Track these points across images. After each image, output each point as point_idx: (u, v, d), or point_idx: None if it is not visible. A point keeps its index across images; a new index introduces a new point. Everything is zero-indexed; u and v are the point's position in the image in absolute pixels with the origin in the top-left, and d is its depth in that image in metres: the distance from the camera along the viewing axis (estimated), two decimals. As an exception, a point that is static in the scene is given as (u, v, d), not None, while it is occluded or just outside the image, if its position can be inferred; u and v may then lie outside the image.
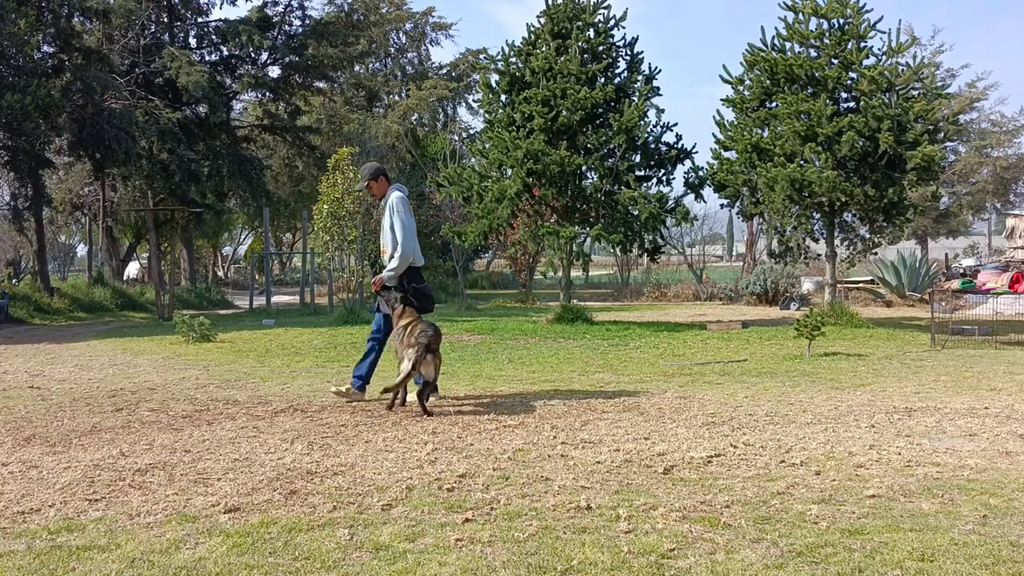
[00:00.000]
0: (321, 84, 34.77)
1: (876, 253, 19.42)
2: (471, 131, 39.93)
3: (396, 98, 40.52)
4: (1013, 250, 38.00)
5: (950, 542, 3.67)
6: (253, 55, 31.48)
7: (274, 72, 32.74)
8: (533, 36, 17.09)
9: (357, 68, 38.42)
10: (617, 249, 18.76)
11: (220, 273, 47.68)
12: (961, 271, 29.57)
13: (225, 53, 31.54)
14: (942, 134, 15.85)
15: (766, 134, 16.16)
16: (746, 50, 16.38)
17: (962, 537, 3.74)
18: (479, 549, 3.68)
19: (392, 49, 41.86)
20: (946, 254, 38.38)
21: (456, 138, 38.48)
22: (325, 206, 20.42)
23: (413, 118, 38.87)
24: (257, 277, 31.13)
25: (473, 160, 19.99)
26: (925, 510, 4.16)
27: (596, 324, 15.84)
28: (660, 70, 16.92)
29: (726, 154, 16.72)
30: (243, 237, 52.81)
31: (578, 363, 10.92)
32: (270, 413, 7.15)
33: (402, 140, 34.98)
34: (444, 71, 41.85)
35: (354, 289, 22.93)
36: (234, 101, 34.30)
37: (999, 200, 43.01)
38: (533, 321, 16.84)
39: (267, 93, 32.68)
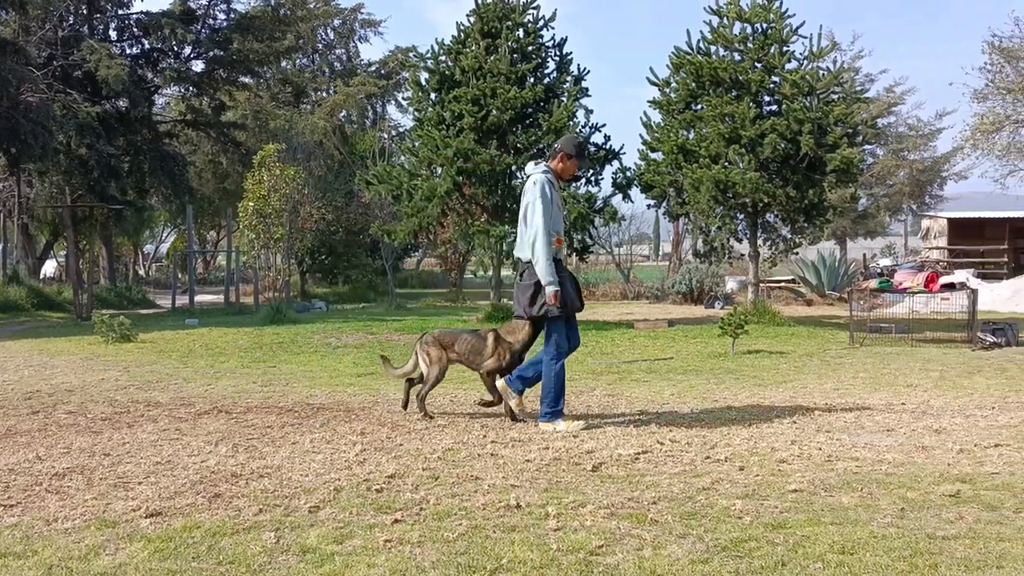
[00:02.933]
0: (246, 79, 34.14)
1: (797, 253, 19.91)
2: (400, 129, 39.65)
3: (324, 95, 40.01)
4: (928, 250, 39.30)
5: (869, 535, 3.77)
6: (176, 49, 30.76)
7: (198, 66, 32.02)
8: (463, 35, 17.07)
9: (284, 64, 37.82)
10: (546, 248, 18.81)
11: (141, 272, 46.51)
12: (878, 271, 30.49)
13: (147, 46, 30.75)
14: (861, 137, 16.33)
15: (692, 136, 16.42)
16: (672, 53, 16.61)
17: (881, 530, 3.84)
18: (408, 550, 3.66)
19: (320, 45, 41.32)
20: (864, 254, 39.53)
21: (385, 136, 38.14)
22: (251, 203, 20.09)
23: (341, 115, 38.44)
24: (180, 276, 30.45)
25: (403, 158, 19.89)
26: (845, 504, 4.27)
27: (525, 323, 15.86)
28: (589, 71, 17.08)
29: (653, 155, 16.94)
30: (165, 235, 51.61)
31: (507, 362, 10.93)
32: (193, 415, 7.00)
33: (330, 137, 34.59)
34: (373, 68, 41.45)
35: (280, 288, 22.60)
36: (156, 95, 33.45)
37: (915, 202, 44.44)
38: (463, 320, 16.82)
39: (190, 88, 31.95)
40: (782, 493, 4.47)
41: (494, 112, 16.02)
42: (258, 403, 7.63)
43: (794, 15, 15.96)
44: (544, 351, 6.40)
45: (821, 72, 16.13)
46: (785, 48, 16.02)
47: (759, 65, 15.93)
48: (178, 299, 24.72)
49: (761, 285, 19.39)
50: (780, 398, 7.76)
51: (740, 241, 17.58)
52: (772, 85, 16.02)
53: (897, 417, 6.68)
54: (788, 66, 15.99)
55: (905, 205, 45.20)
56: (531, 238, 6.23)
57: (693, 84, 16.37)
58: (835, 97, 16.16)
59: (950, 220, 38.47)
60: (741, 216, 16.82)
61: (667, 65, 16.82)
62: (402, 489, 4.62)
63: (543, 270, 6.17)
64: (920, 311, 15.15)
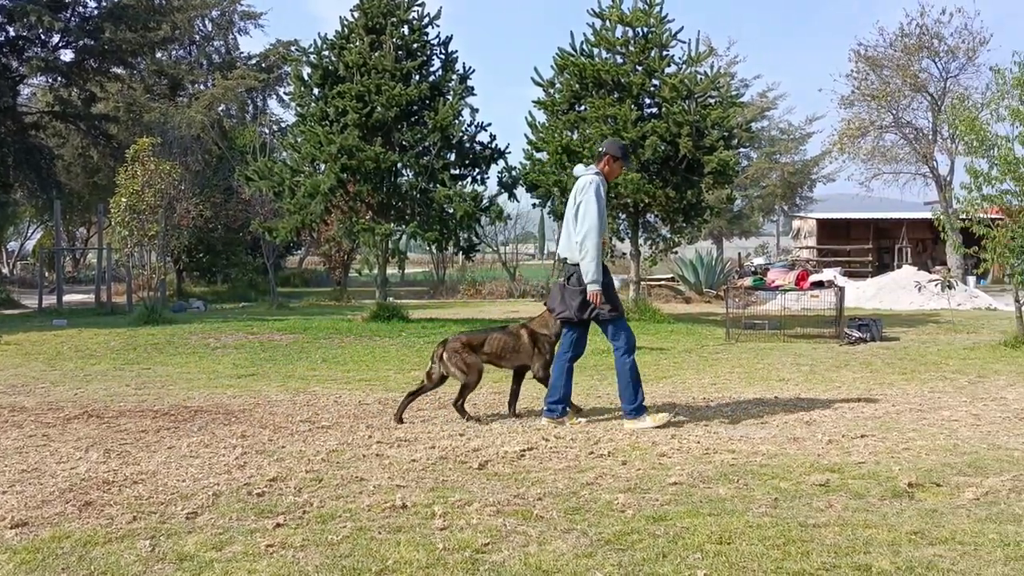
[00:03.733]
0: (119, 70, 32.78)
1: (676, 252, 20.47)
2: (282, 124, 38.77)
3: (202, 87, 38.76)
4: (798, 249, 41.04)
5: (745, 525, 3.91)
6: (43, 37, 29.28)
7: (67, 56, 30.57)
8: (347, 30, 16.85)
9: (159, 55, 36.49)
10: (433, 247, 18.81)
11: (5, 271, 44.14)
12: (753, 269, 31.58)
13: (11, 34, 29.15)
14: (736, 140, 16.87)
15: (576, 136, 16.64)
16: (556, 54, 16.81)
17: (756, 519, 3.98)
18: (291, 554, 3.59)
19: (197, 36, 40.00)
20: (739, 253, 40.90)
21: (266, 131, 37.25)
22: (123, 199, 19.26)
23: (220, 109, 37.33)
24: (47, 274, 29.01)
25: (285, 154, 19.48)
26: (722, 495, 4.41)
27: (412, 322, 15.80)
28: (474, 69, 17.11)
29: (538, 155, 17.09)
30: (31, 232, 49.16)
31: (394, 361, 10.87)
32: (62, 420, 6.69)
33: (208, 131, 33.54)
34: (253, 61, 40.40)
35: (155, 287, 21.82)
36: (21, 85, 31.79)
37: (786, 203, 46.30)
38: (348, 320, 16.60)
39: (59, 78, 30.48)
40: (663, 486, 4.58)
41: (379, 109, 15.87)
42: (132, 407, 7.35)
43: (673, 20, 16.38)
44: (615, 349, 6.48)
45: (699, 76, 16.60)
46: (665, 52, 16.41)
47: (640, 68, 16.28)
48: (45, 299, 23.54)
49: (642, 283, 19.83)
50: (660, 393, 7.96)
51: (622, 240, 17.94)
52: (653, 88, 16.40)
53: (770, 410, 6.95)
54: (668, 70, 16.39)
55: (777, 206, 47.06)
56: (581, 236, 6.26)
57: (577, 85, 16.60)
58: (712, 101, 16.65)
59: (819, 221, 40.32)
60: (623, 216, 17.18)
61: (551, 66, 17.02)
62: (284, 492, 4.53)
63: (590, 268, 6.25)
64: (791, 308, 15.80)
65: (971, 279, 25.37)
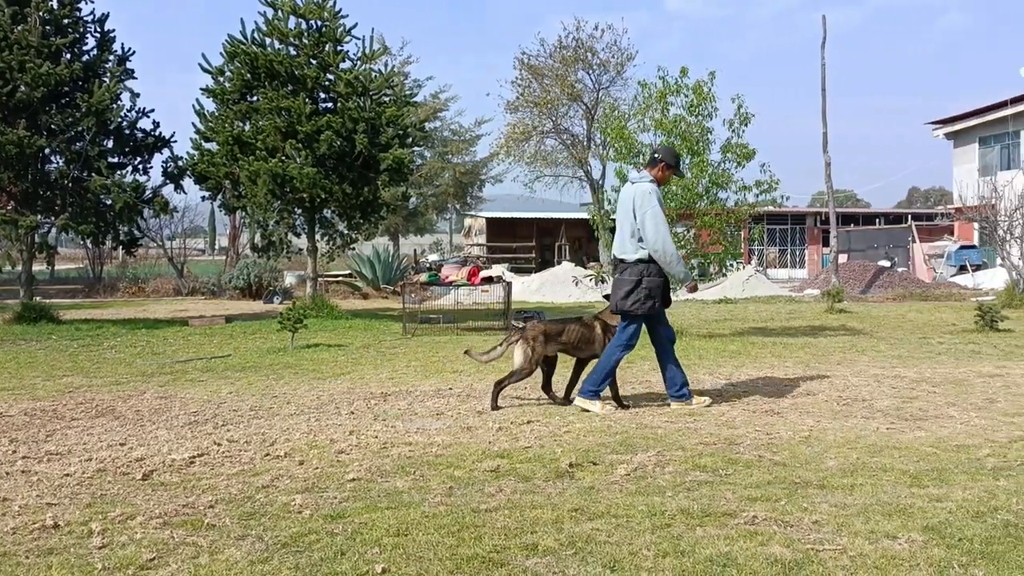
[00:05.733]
0: None
1: (354, 248, 20.51)
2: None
3: None
4: (470, 246, 42.82)
5: (422, 515, 4.00)
6: None
7: None
8: (-18, -2, 15.02)
9: None
10: (88, 241, 17.41)
11: None
12: (428, 265, 32.52)
13: None
14: (410, 139, 17.20)
15: (248, 127, 16.12)
16: (226, 41, 16.15)
17: (432, 509, 4.09)
18: (-86, 592, 3.14)
19: None
20: (415, 250, 41.94)
21: None
22: None
23: None
24: None
25: (-98, 134, 16.98)
26: (400, 488, 4.48)
27: (64, 323, 14.50)
28: (134, 51, 16.00)
29: (207, 145, 16.34)
30: None
31: (42, 367, 9.88)
32: None
33: None
34: None
35: None
36: None
37: (458, 202, 48.08)
38: (-16, 322, 14.85)
39: None
40: (341, 483, 4.57)
41: (23, 88, 14.36)
42: None
43: (347, 16, 16.38)
44: (616, 337, 6.74)
45: (374, 74, 16.74)
46: (340, 47, 16.36)
47: (315, 62, 16.10)
48: None
49: (319, 280, 19.65)
50: (339, 390, 7.93)
51: (298, 236, 17.66)
52: (328, 83, 16.28)
53: (446, 401, 7.17)
54: (343, 65, 16.36)
55: (450, 205, 48.74)
56: (659, 249, 6.49)
57: (248, 75, 16.06)
58: (387, 99, 16.87)
59: (488, 219, 42.40)
60: (299, 211, 16.92)
61: (221, 53, 16.32)
62: (-95, 522, 3.95)
63: (679, 270, 6.68)
64: (464, 302, 16.45)
65: (621, 274, 27.86)
